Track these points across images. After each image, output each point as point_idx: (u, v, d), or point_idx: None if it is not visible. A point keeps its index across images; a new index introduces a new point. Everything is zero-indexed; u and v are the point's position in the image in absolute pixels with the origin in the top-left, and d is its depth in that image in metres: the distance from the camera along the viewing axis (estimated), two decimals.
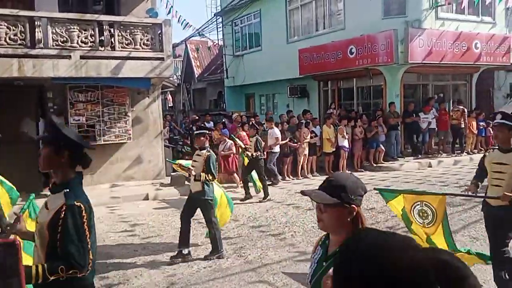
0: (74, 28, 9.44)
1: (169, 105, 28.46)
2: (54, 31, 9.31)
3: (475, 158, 13.40)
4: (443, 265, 1.07)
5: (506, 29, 14.76)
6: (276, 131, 11.28)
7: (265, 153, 10.61)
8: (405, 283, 0.89)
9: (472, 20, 14.01)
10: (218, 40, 21.66)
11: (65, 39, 9.39)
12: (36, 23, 9.12)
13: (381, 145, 12.77)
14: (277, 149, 11.21)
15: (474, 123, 13.97)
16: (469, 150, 14.17)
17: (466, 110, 13.85)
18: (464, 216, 7.31)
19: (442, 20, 13.38)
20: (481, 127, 14.21)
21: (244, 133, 11.52)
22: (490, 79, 15.44)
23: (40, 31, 9.15)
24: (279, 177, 11.27)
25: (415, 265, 0.90)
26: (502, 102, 15.07)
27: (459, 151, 13.88)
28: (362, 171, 12.43)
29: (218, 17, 20.49)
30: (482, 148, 14.37)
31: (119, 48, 9.86)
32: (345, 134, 12.08)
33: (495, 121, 4.18)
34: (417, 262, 0.91)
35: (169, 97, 28.47)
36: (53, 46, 9.30)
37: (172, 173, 11.01)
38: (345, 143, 12.16)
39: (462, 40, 13.19)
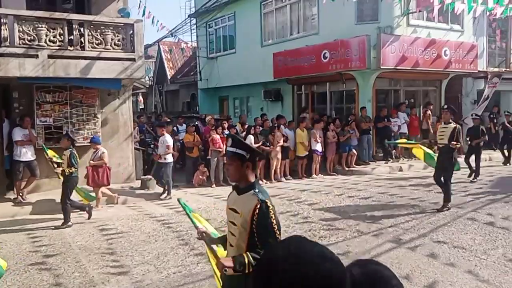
0: (42, 27, 9.16)
1: (140, 107, 28.04)
2: (21, 29, 9.01)
3: None
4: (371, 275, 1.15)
5: (474, 37, 15.19)
6: (168, 139, 10.10)
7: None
8: None
9: (442, 28, 14.35)
10: (192, 41, 21.51)
11: (32, 37, 9.10)
12: (2, 20, 8.80)
13: (353, 149, 12.90)
14: (170, 158, 10.05)
15: None
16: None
17: (428, 111, 14.29)
18: (432, 219, 7.44)
19: (413, 27, 13.65)
20: None
21: (217, 136, 11.46)
22: (458, 86, 15.82)
23: (6, 29, 8.83)
24: (172, 194, 9.98)
25: (330, 276, 0.96)
26: (469, 108, 15.46)
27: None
28: (335, 175, 12.53)
29: (192, 18, 20.35)
30: None
31: (89, 48, 9.62)
32: (318, 138, 12.15)
33: (227, 149, 2.97)
34: (332, 273, 0.96)
35: (141, 98, 28.06)
36: (19, 44, 9.00)
37: (143, 177, 10.83)
38: (318, 147, 12.23)
39: (432, 47, 13.48)
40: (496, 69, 16.06)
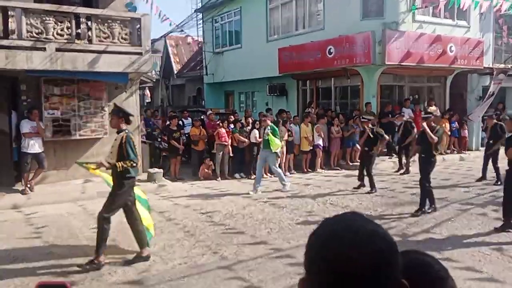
0: (49, 20, 9.22)
1: (147, 101, 28.17)
2: (28, 22, 9.08)
3: (447, 159, 13.75)
4: (422, 266, 1.11)
5: (480, 34, 15.13)
6: None
7: None
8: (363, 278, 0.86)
9: (447, 23, 14.31)
10: (198, 36, 21.56)
11: (40, 30, 9.17)
12: (9, 13, 8.86)
13: (357, 144, 12.92)
14: None
15: (448, 125, 14.31)
16: (442, 150, 14.50)
17: (433, 107, 14.32)
18: (436, 214, 7.48)
19: (419, 23, 13.62)
20: (454, 129, 14.60)
21: (223, 130, 11.52)
22: (463, 82, 15.79)
23: (13, 22, 8.90)
24: None
25: (380, 253, 0.89)
26: (474, 104, 15.44)
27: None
28: (338, 169, 12.58)
29: (198, 13, 20.38)
30: (454, 149, 14.76)
31: (96, 41, 9.68)
32: (321, 132, 12.20)
33: None
34: (380, 252, 0.90)
35: (147, 92, 28.19)
36: (27, 37, 9.06)
37: (149, 169, 10.91)
38: (320, 142, 12.29)
39: (437, 43, 13.45)
40: (502, 66, 16.00)
